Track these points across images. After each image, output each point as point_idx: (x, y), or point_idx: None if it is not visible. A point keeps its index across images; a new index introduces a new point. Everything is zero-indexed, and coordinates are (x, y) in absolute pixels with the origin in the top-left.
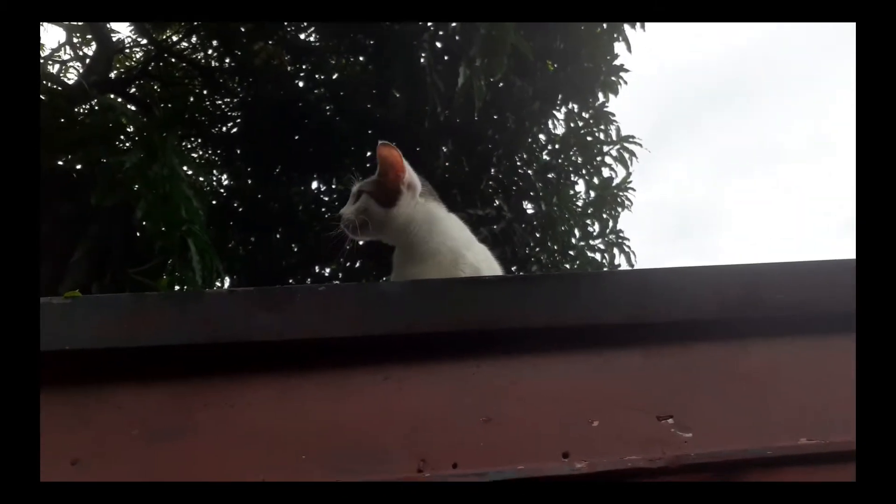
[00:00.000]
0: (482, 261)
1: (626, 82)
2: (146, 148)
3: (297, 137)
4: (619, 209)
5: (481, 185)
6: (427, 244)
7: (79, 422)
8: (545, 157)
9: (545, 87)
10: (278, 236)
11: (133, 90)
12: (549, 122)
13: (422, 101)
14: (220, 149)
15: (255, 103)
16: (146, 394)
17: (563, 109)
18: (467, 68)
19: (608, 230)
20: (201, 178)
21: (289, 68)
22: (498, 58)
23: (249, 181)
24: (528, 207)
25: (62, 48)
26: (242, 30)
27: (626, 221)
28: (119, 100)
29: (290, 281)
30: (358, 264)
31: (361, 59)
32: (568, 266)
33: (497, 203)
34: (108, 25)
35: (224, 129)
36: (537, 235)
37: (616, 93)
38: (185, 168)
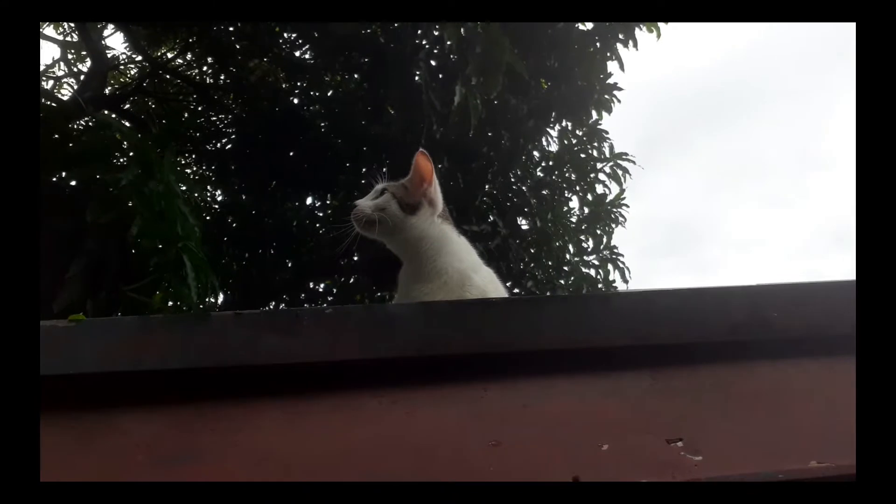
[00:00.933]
0: (489, 283)
1: (619, 100)
2: (142, 164)
3: (291, 154)
4: (613, 225)
5: (476, 201)
6: (434, 263)
7: (82, 447)
8: (539, 173)
9: (539, 106)
10: (272, 252)
11: (127, 106)
12: (544, 140)
13: (417, 118)
14: (214, 165)
15: (250, 120)
16: (151, 419)
17: (557, 127)
18: (463, 86)
19: (602, 246)
20: (196, 195)
21: (284, 85)
22: (493, 76)
23: (244, 197)
24: (523, 224)
25: (56, 64)
26: (238, 46)
27: (619, 237)
28: (114, 116)
29: (284, 297)
30: (353, 280)
31: (356, 76)
32: (563, 282)
33: (492, 219)
34: (102, 42)
35: (219, 145)
36: (532, 251)
37: (609, 111)
38: (180, 185)
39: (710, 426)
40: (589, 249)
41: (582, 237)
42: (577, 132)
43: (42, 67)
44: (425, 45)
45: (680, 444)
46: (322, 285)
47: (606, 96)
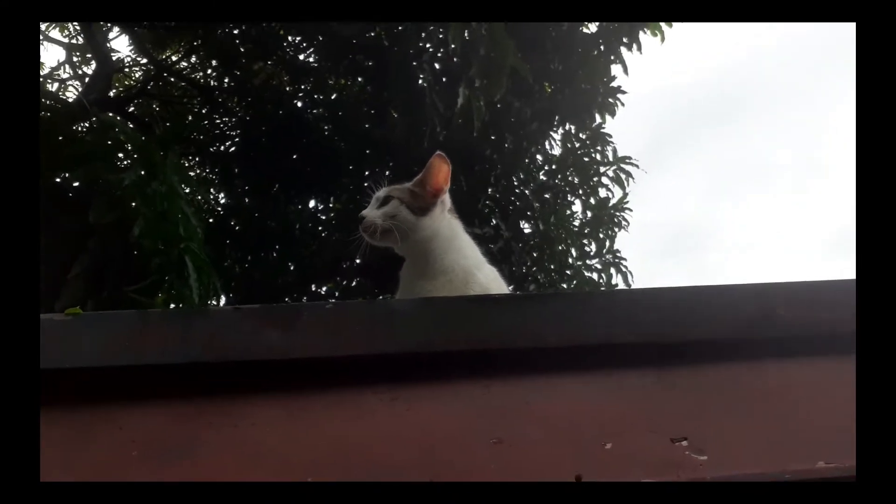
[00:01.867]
0: (492, 280)
1: (622, 104)
2: (145, 166)
3: (295, 157)
4: (616, 229)
5: (479, 204)
6: (442, 261)
7: (79, 442)
8: (542, 177)
9: (543, 109)
10: (275, 255)
11: (132, 109)
12: (547, 143)
13: (421, 121)
14: (218, 167)
15: (254, 122)
16: (149, 413)
17: (561, 130)
18: (466, 89)
19: (605, 250)
20: (199, 197)
21: (288, 88)
22: (497, 79)
23: (247, 199)
24: (526, 227)
25: (61, 67)
26: (242, 49)
27: (622, 241)
28: (118, 118)
29: (287, 300)
30: (355, 283)
31: (360, 79)
32: (565, 286)
33: (495, 222)
34: (107, 44)
35: (222, 147)
36: (535, 255)
37: (613, 114)
38: (183, 186)
39: (716, 425)
40: (592, 253)
41: (585, 241)
42: (581, 135)
43: (47, 70)
44: (429, 47)
45: (685, 443)
46: (324, 288)
47: (610, 100)
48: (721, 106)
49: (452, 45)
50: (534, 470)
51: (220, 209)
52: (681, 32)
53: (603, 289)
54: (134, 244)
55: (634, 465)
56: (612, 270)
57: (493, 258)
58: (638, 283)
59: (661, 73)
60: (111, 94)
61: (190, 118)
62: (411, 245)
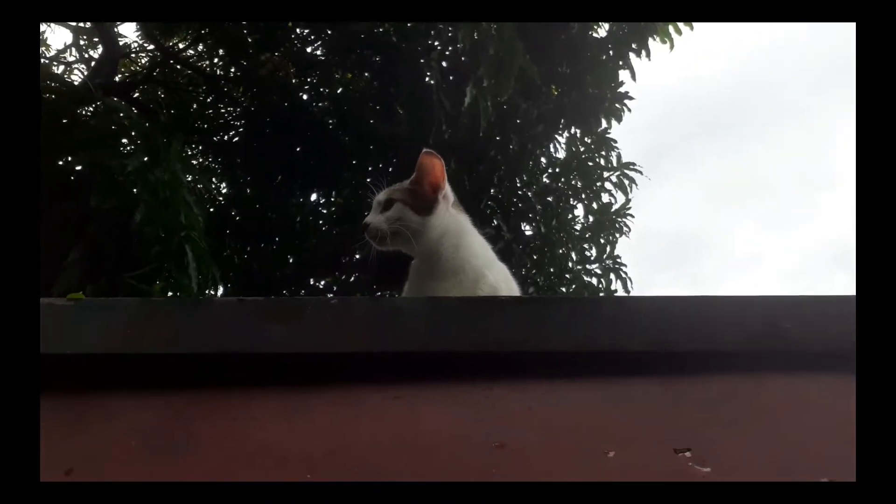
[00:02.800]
0: (502, 280)
1: (629, 110)
2: (149, 152)
3: (298, 149)
4: (618, 235)
5: (481, 204)
6: (453, 260)
7: (76, 429)
8: (545, 179)
9: (549, 111)
10: (275, 247)
11: (137, 95)
12: (552, 146)
13: (427, 119)
14: (220, 157)
15: (259, 113)
16: (148, 403)
17: (566, 134)
18: (474, 88)
19: (605, 255)
20: (200, 185)
21: (294, 80)
22: (505, 79)
23: (248, 190)
24: (527, 229)
25: (68, 50)
26: (249, 40)
27: (621, 247)
28: (123, 103)
29: (285, 292)
30: (353, 278)
31: (367, 74)
32: (564, 289)
33: (496, 223)
34: (115, 29)
35: (226, 137)
36: (535, 257)
37: (619, 119)
38: (186, 175)
39: (720, 438)
40: (592, 258)
41: (585, 245)
42: (586, 140)
43: (53, 52)
44: (437, 45)
45: (688, 454)
46: (323, 282)
47: (617, 105)
48: (722, 116)
49: (461, 44)
50: (535, 476)
51: (221, 199)
52: (685, 41)
53: (602, 295)
54: (134, 231)
55: (637, 474)
56: (612, 276)
57: None
58: (634, 290)
59: (663, 80)
60: (117, 79)
61: (195, 106)
62: (422, 245)
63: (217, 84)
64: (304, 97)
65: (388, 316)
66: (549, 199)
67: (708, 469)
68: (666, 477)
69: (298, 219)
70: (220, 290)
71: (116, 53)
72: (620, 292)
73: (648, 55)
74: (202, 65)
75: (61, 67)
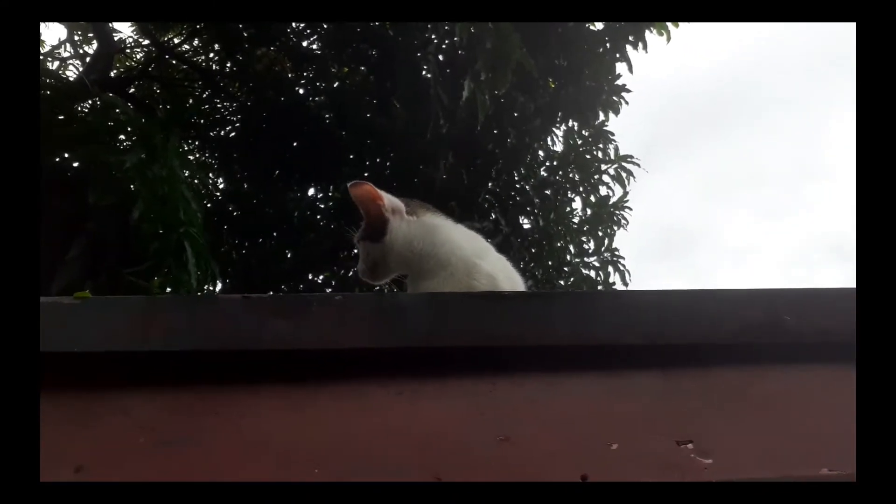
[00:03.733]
0: (500, 270)
1: (627, 102)
2: (146, 148)
3: (295, 144)
4: (615, 227)
5: (479, 198)
6: (436, 256)
7: (83, 427)
8: (543, 173)
9: (547, 104)
10: (273, 242)
11: (133, 90)
12: (549, 139)
13: (424, 112)
14: (217, 152)
15: (255, 108)
16: (153, 400)
17: (563, 127)
18: (472, 82)
19: (603, 248)
20: (197, 181)
21: (290, 75)
22: (503, 72)
23: (246, 185)
24: (525, 222)
25: (62, 45)
26: (245, 34)
27: (619, 239)
28: (119, 99)
29: (283, 287)
30: (351, 273)
31: (363, 68)
32: (562, 282)
33: (494, 217)
34: (110, 25)
35: (223, 132)
36: (533, 251)
37: (617, 112)
38: (184, 170)
39: (722, 429)
40: (590, 251)
41: (583, 238)
42: (583, 132)
43: (48, 48)
44: (434, 39)
45: (690, 445)
46: (321, 277)
47: (614, 98)
48: (716, 109)
49: (458, 38)
50: (539, 469)
51: (218, 194)
52: (682, 34)
53: (600, 288)
54: (133, 227)
55: (640, 466)
56: (610, 269)
57: None
58: (634, 282)
59: (659, 72)
60: (112, 74)
61: (191, 101)
62: (400, 262)
63: (213, 79)
64: (301, 92)
65: (391, 312)
66: (547, 192)
67: (710, 460)
68: (669, 468)
69: (296, 213)
70: (219, 286)
71: (111, 49)
72: (619, 285)
73: (645, 48)
74: (198, 60)
75: (56, 63)
